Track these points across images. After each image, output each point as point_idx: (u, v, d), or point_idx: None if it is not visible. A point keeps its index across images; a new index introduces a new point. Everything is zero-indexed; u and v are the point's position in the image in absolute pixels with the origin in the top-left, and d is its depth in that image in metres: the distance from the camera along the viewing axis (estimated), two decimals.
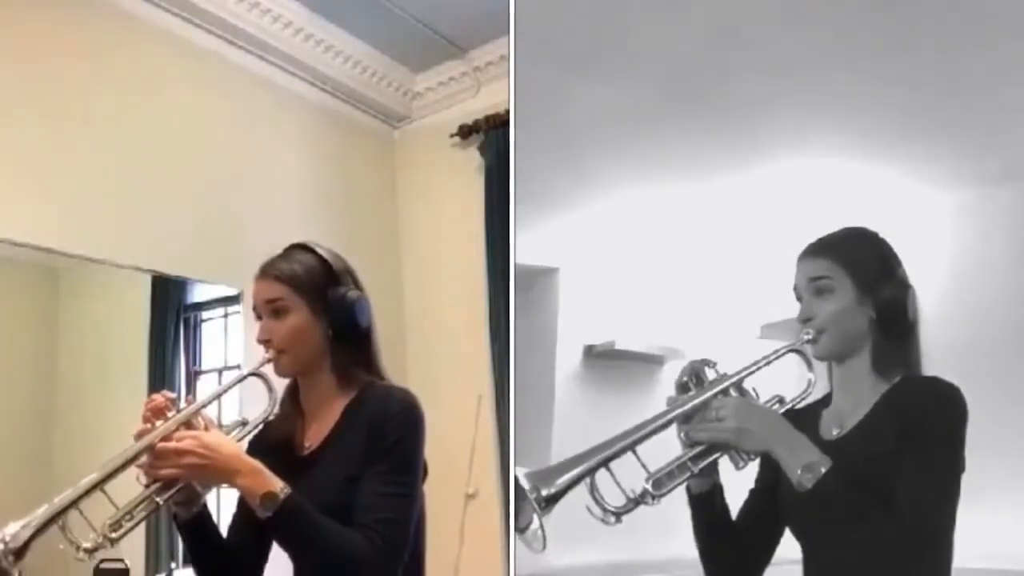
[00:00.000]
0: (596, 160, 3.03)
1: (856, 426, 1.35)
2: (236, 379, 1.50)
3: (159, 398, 1.40)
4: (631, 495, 1.27)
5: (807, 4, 2.23)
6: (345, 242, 1.78)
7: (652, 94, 2.64)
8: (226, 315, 3.06)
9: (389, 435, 1.41)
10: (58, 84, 2.65)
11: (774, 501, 1.41)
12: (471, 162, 3.68)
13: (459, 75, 3.77)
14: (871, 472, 1.25)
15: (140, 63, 2.91)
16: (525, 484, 1.20)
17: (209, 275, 3.00)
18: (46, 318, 2.63)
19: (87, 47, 2.76)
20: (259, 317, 1.52)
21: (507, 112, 3.22)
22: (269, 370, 1.50)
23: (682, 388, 1.37)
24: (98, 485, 1.28)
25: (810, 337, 1.37)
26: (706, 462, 1.33)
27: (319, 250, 1.55)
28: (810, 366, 1.42)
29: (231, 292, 3.04)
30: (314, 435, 1.51)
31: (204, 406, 1.43)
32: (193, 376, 2.97)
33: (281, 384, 1.54)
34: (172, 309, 2.95)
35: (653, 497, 1.28)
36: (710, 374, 1.37)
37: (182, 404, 1.41)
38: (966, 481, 1.26)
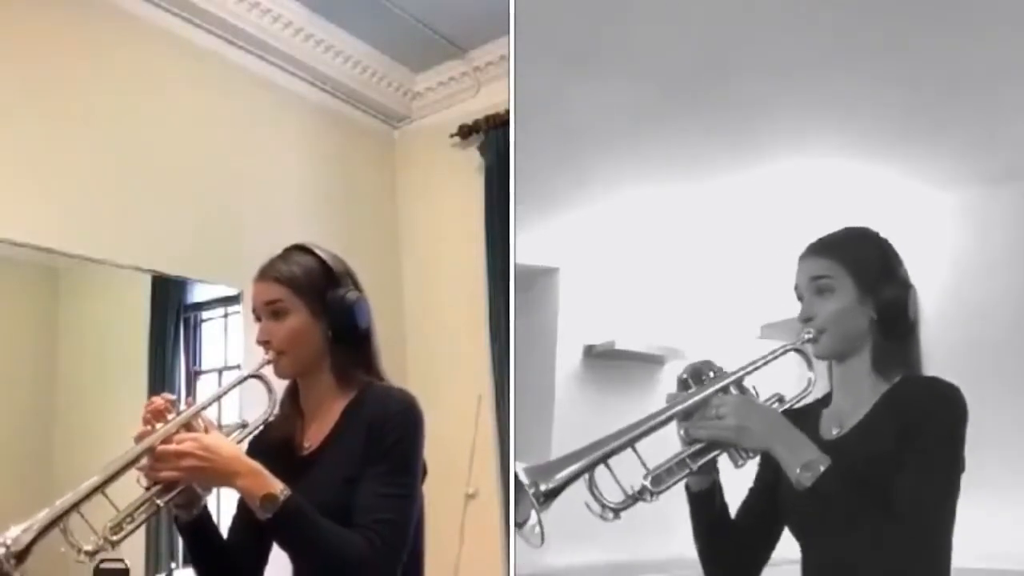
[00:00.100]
0: (596, 160, 3.03)
1: (856, 426, 1.35)
2: (236, 381, 1.51)
3: (159, 400, 1.40)
4: (630, 491, 1.27)
5: (807, 4, 2.23)
6: (345, 242, 1.79)
7: (652, 94, 2.63)
8: (226, 315, 3.06)
9: (388, 436, 1.42)
10: (58, 84, 2.65)
11: (773, 500, 1.41)
12: (471, 162, 3.68)
13: (459, 75, 3.77)
14: (871, 472, 1.25)
15: (140, 63, 2.91)
16: (524, 479, 1.20)
17: (209, 275, 3.00)
18: (46, 318, 2.63)
19: (87, 47, 2.76)
20: (258, 319, 1.52)
21: (507, 112, 3.22)
22: (269, 371, 1.50)
23: (682, 385, 1.37)
24: (99, 488, 1.29)
25: (811, 336, 1.37)
26: (705, 459, 1.33)
27: (318, 251, 1.55)
28: (810, 365, 1.42)
29: (231, 292, 3.04)
30: (314, 436, 1.52)
31: (204, 408, 1.43)
32: (193, 376, 2.97)
33: (281, 385, 1.54)
34: (172, 309, 2.95)
35: (652, 494, 1.29)
36: (711, 374, 1.37)
37: (182, 406, 1.41)
38: (966, 481, 1.26)
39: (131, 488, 1.34)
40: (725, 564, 1.44)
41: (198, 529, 1.47)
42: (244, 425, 1.47)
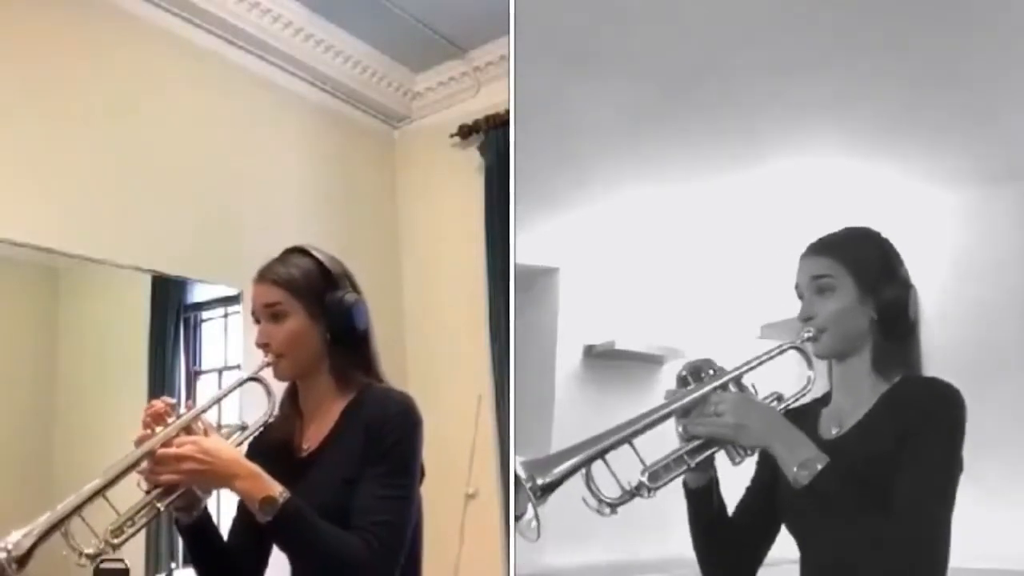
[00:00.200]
0: (596, 160, 3.03)
1: (855, 425, 1.35)
2: (235, 384, 1.52)
3: (159, 404, 1.40)
4: (627, 487, 1.27)
5: (806, 4, 2.23)
6: (345, 242, 1.79)
7: (652, 94, 2.63)
8: (226, 315, 3.06)
9: (387, 437, 1.42)
10: (58, 84, 2.65)
11: (771, 498, 1.41)
12: (471, 162, 3.68)
13: (459, 75, 3.77)
14: (870, 471, 1.25)
15: (140, 63, 2.91)
16: (521, 473, 1.20)
17: (209, 275, 3.01)
18: (46, 318, 2.63)
19: (87, 47, 2.76)
20: (257, 321, 1.52)
21: (507, 112, 3.22)
22: (268, 374, 1.50)
23: (682, 383, 1.38)
24: (100, 491, 1.29)
25: (811, 335, 1.37)
26: (703, 456, 1.33)
27: (316, 254, 1.55)
28: (810, 364, 1.42)
29: (231, 292, 3.04)
30: (313, 437, 1.52)
31: (203, 411, 1.43)
32: (193, 376, 2.97)
33: (280, 388, 1.54)
34: (172, 309, 2.95)
35: (649, 490, 1.29)
36: (710, 372, 1.37)
37: (182, 409, 1.41)
38: (966, 481, 1.26)
39: (131, 491, 1.35)
40: (722, 562, 1.45)
41: (199, 531, 1.47)
42: (244, 427, 1.48)
